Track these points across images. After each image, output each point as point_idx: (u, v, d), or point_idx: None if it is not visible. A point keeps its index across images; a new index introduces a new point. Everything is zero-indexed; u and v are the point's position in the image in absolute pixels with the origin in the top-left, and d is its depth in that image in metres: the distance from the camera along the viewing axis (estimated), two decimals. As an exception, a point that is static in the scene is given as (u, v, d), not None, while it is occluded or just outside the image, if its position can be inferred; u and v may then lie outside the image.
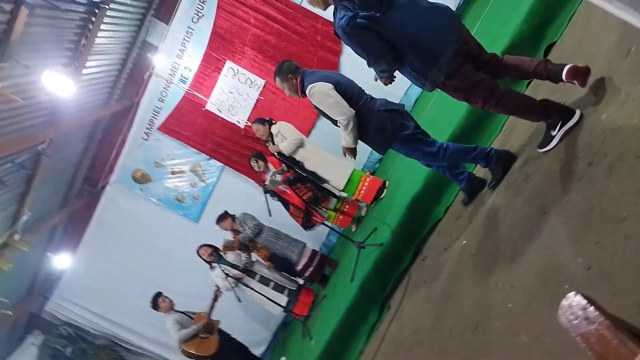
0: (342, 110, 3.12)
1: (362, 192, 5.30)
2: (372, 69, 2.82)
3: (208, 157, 7.14)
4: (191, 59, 6.88)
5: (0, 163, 5.08)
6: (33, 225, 6.40)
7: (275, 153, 5.33)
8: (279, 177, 5.43)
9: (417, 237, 3.71)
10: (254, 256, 5.61)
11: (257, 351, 6.97)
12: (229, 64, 6.86)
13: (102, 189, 7.45)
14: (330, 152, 5.42)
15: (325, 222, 5.63)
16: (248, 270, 5.41)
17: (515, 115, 2.81)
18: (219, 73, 6.89)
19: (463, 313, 2.39)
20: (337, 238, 6.99)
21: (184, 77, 6.92)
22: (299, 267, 5.54)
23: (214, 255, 5.26)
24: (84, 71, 5.91)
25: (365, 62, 2.72)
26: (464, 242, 2.92)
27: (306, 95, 3.24)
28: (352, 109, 3.13)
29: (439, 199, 3.68)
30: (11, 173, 5.43)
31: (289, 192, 5.53)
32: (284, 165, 5.38)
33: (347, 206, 5.78)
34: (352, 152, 3.36)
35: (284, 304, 5.32)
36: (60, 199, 7.38)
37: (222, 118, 6.98)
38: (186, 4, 6.67)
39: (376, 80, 3.04)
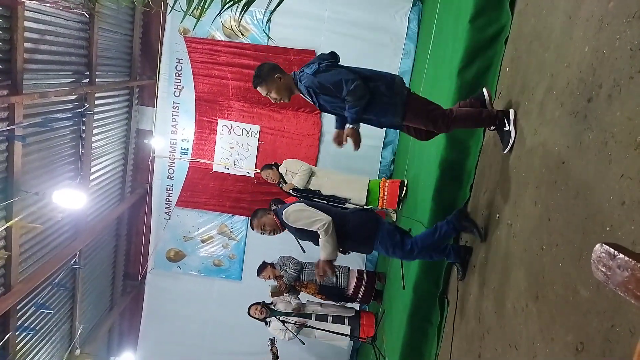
0: (319, 217, 3.26)
1: (385, 199, 5.25)
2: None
3: (231, 215, 7.21)
4: (186, 130, 7.04)
5: (41, 289, 5.22)
6: (89, 336, 6.52)
7: (291, 190, 5.36)
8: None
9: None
10: (303, 297, 5.57)
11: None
12: (221, 122, 7.00)
13: (143, 279, 7.57)
14: (342, 171, 5.43)
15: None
16: (302, 313, 5.38)
17: (469, 128, 3.27)
18: (215, 134, 7.02)
19: (519, 287, 2.31)
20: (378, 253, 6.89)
21: (184, 149, 7.07)
22: (351, 291, 5.47)
23: (264, 310, 5.26)
24: (91, 177, 6.10)
25: (341, 98, 2.84)
26: (497, 215, 2.84)
27: (295, 92, 3.08)
28: (328, 215, 3.28)
29: (460, 181, 3.61)
30: (54, 295, 5.57)
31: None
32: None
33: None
34: (331, 267, 3.37)
35: (348, 333, 5.24)
36: (107, 302, 7.52)
37: (231, 174, 7.07)
38: (164, 83, 6.88)
39: (341, 144, 3.08)
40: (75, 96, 5.61)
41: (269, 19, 6.20)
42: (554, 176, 2.16)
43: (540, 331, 2.04)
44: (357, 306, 5.81)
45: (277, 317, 5.09)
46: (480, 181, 3.34)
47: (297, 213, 3.34)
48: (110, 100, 6.60)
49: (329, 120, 6.85)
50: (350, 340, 5.50)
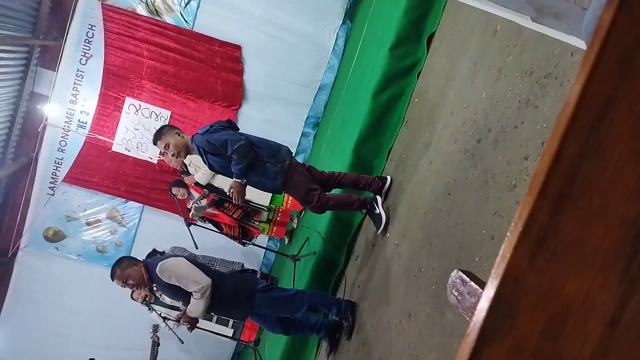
0: (199, 279, 3.02)
1: (289, 202, 5.31)
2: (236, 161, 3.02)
3: (125, 200, 6.80)
4: (87, 102, 6.53)
5: None
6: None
7: (193, 183, 5.20)
8: (204, 202, 5.29)
9: (346, 239, 3.76)
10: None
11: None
12: (129, 100, 6.60)
13: (13, 257, 6.84)
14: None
15: (257, 243, 5.57)
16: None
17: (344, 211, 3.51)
18: (120, 111, 6.60)
19: (396, 304, 2.45)
20: (274, 255, 6.92)
21: (82, 122, 6.55)
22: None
23: (149, 295, 5.01)
24: (-33, 135, 5.42)
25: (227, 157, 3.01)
26: (388, 234, 3.00)
27: (191, 152, 3.21)
28: (208, 278, 3.06)
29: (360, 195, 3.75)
30: None
31: (217, 213, 5.40)
32: (205, 190, 5.26)
33: (279, 215, 5.75)
34: (193, 323, 3.25)
35: (230, 335, 5.18)
36: (-35, 277, 6.70)
37: (132, 157, 6.68)
38: (71, 47, 6.33)
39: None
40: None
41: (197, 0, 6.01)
42: (439, 205, 2.34)
43: (408, 347, 2.18)
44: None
45: (159, 312, 4.86)
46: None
47: (174, 269, 3.03)
48: (4, 55, 5.94)
49: (245, 118, 6.77)
50: (233, 341, 5.43)
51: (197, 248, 4.85)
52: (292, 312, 3.18)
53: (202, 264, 3.23)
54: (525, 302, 0.42)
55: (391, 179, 3.21)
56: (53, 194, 6.60)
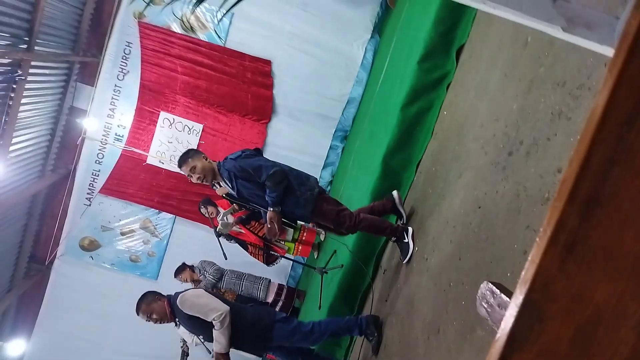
0: (217, 306, 3.10)
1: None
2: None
3: (157, 211, 6.96)
4: (123, 116, 6.77)
5: None
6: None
7: (224, 195, 5.28)
8: (230, 219, 5.36)
9: (374, 252, 3.74)
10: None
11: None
12: (163, 114, 6.80)
13: (50, 265, 7.08)
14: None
15: (286, 255, 5.59)
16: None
17: (373, 234, 3.42)
18: (155, 125, 6.80)
19: (424, 319, 2.41)
20: (302, 268, 6.93)
21: (119, 136, 6.78)
22: (269, 303, 5.45)
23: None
24: (11, 148, 5.68)
25: (259, 184, 3.05)
26: (417, 248, 2.97)
27: (217, 178, 3.24)
28: (226, 305, 3.14)
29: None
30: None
31: (244, 232, 5.46)
32: (234, 205, 5.33)
33: (305, 234, 5.77)
34: (225, 359, 3.18)
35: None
36: (6, 282, 6.95)
37: (165, 169, 6.85)
38: (109, 63, 6.60)
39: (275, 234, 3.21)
40: (9, 60, 5.25)
41: (222, 16, 6.17)
42: (469, 218, 2.31)
43: (436, 363, 2.14)
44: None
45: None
46: (407, 214, 3.47)
47: (194, 299, 3.16)
48: (47, 71, 6.22)
49: (274, 132, 6.87)
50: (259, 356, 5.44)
51: (226, 259, 4.91)
52: (313, 342, 3.17)
53: (221, 297, 3.29)
54: (555, 307, 0.42)
55: (413, 231, 3.11)
56: (90, 205, 6.83)
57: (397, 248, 3.18)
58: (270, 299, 5.44)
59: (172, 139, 6.83)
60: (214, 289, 5.33)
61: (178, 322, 3.30)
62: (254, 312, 3.26)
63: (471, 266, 2.14)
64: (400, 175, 3.69)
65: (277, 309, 5.50)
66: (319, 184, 3.24)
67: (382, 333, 3.01)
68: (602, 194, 0.39)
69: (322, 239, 5.74)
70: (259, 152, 3.33)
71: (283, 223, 5.48)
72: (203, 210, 5.50)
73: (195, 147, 6.85)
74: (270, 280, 5.65)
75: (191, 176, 3.17)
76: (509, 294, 0.84)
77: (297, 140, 6.82)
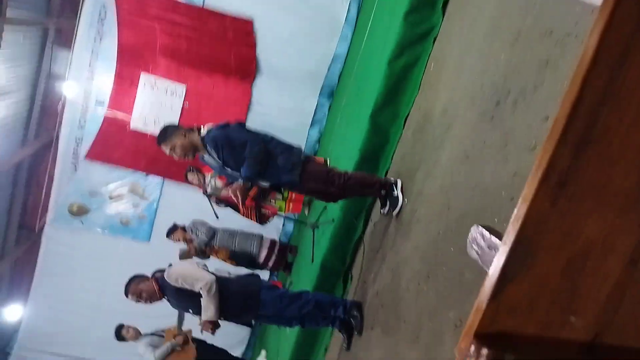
0: (202, 276, 3.17)
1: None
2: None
3: (145, 174, 6.93)
4: (103, 79, 6.59)
5: None
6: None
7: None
8: (218, 183, 5.37)
9: (364, 206, 3.81)
10: (213, 264, 5.55)
11: (237, 351, 6.96)
12: (144, 76, 6.64)
13: (40, 231, 7.08)
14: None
15: (278, 213, 5.65)
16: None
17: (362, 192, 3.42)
18: (136, 88, 6.65)
19: (414, 267, 2.50)
20: (293, 225, 7.03)
21: (100, 100, 6.63)
22: (262, 259, 5.55)
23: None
24: (-11, 115, 5.55)
25: (243, 155, 3.04)
26: (406, 200, 3.03)
27: (199, 150, 3.18)
28: (212, 275, 3.22)
29: (377, 163, 3.78)
30: None
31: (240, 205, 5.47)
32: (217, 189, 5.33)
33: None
34: (215, 325, 3.25)
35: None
36: (-3, 251, 6.97)
37: (150, 134, 6.76)
38: (84, 26, 6.36)
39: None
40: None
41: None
42: (458, 168, 2.36)
43: (426, 308, 2.24)
44: (266, 275, 5.90)
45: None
46: (396, 168, 3.52)
47: (180, 270, 3.27)
48: (21, 36, 5.99)
49: (259, 90, 6.77)
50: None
51: (217, 218, 4.96)
52: (299, 308, 3.22)
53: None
54: (547, 242, 0.46)
55: (402, 184, 3.14)
56: (76, 170, 6.76)
57: (387, 201, 3.25)
58: (263, 254, 5.53)
59: (156, 101, 6.71)
60: (207, 247, 5.40)
61: (167, 299, 3.36)
62: (239, 280, 3.34)
63: (459, 214, 2.21)
64: (388, 130, 3.71)
65: (270, 264, 5.61)
66: (304, 152, 3.30)
67: (363, 317, 3.09)
68: (592, 133, 0.42)
69: (307, 212, 5.80)
70: (242, 125, 3.31)
71: (270, 189, 5.53)
72: (190, 177, 5.50)
73: (179, 111, 6.75)
74: (262, 236, 5.73)
75: (172, 155, 3.12)
76: (499, 236, 0.89)
77: (283, 99, 6.74)
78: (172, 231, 5.52)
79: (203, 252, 5.44)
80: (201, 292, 3.14)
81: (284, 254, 5.73)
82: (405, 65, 3.59)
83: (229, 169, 3.17)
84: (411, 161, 3.16)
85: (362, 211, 3.81)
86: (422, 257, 2.47)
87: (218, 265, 5.54)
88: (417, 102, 3.47)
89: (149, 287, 3.31)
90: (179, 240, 5.54)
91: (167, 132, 3.12)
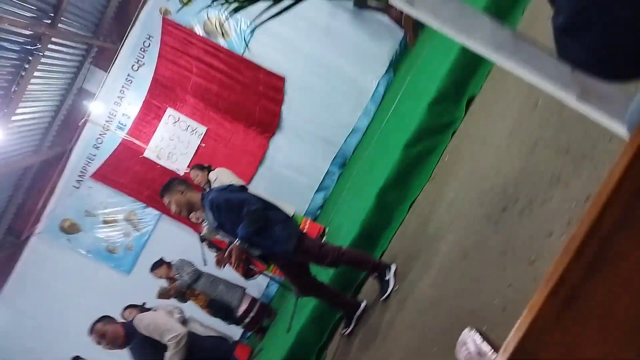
0: (174, 328, 3.15)
1: (302, 238, 5.29)
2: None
3: (145, 205, 6.91)
4: (130, 106, 6.78)
5: None
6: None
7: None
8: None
9: (354, 283, 3.72)
10: (188, 311, 5.39)
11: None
12: (169, 111, 6.82)
13: (26, 240, 6.96)
14: (270, 198, 5.42)
15: (265, 272, 5.53)
16: None
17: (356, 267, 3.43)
18: (160, 120, 6.82)
19: (393, 358, 2.39)
20: (277, 288, 6.85)
21: (122, 124, 6.78)
22: (239, 313, 5.38)
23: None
24: (14, 118, 5.66)
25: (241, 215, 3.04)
26: (397, 287, 2.96)
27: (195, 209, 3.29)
28: (184, 328, 3.22)
29: (375, 242, 3.74)
30: None
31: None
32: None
33: None
34: None
35: None
36: (-22, 251, 6.83)
37: (161, 165, 6.83)
38: (126, 52, 6.65)
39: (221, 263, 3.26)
40: (31, 32, 5.29)
41: (252, 30, 6.27)
42: (454, 266, 2.31)
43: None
44: (238, 334, 5.67)
45: None
46: (392, 252, 3.47)
47: (153, 316, 3.23)
48: (64, 49, 6.26)
49: (275, 147, 6.89)
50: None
51: (205, 265, 4.86)
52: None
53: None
54: (546, 357, 0.43)
55: (365, 306, 3.26)
56: (78, 187, 6.77)
57: (377, 284, 3.17)
58: (242, 309, 5.36)
59: (174, 136, 6.84)
60: (188, 290, 5.26)
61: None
62: (210, 342, 3.28)
63: (448, 312, 2.14)
64: (393, 211, 3.70)
65: (248, 320, 5.42)
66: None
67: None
68: (606, 256, 0.40)
69: None
70: (244, 188, 3.40)
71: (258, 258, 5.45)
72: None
73: (194, 150, 6.84)
74: (245, 290, 5.58)
75: (170, 207, 3.26)
76: (491, 344, 0.85)
77: (296, 159, 6.85)
78: (157, 266, 5.41)
79: (183, 294, 5.29)
80: (168, 344, 3.00)
81: (262, 314, 5.55)
82: (420, 152, 3.65)
83: (223, 232, 3.22)
84: (410, 248, 3.12)
85: (352, 289, 3.71)
86: (404, 349, 2.36)
87: (194, 311, 5.38)
88: (426, 189, 3.49)
89: (115, 331, 3.19)
90: (161, 277, 5.41)
91: (169, 185, 3.27)
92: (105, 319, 3.29)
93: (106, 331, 3.18)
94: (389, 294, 2.97)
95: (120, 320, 3.30)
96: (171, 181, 3.33)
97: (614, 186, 0.39)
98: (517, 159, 2.35)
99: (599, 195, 0.40)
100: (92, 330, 3.23)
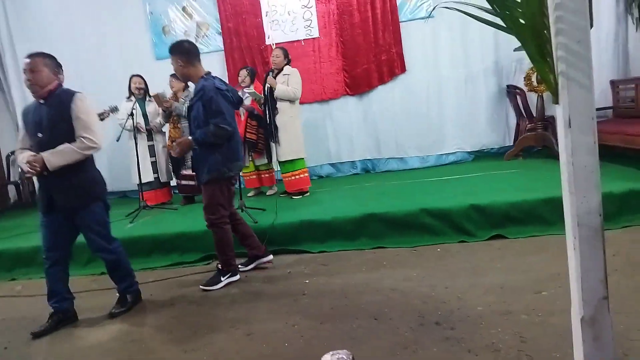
0: (98, 132, 2.85)
1: (290, 179, 5.25)
2: None
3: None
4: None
5: None
6: None
7: (268, 85, 5.18)
8: (249, 99, 5.34)
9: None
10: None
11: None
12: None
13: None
14: (303, 130, 5.39)
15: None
16: (150, 131, 5.68)
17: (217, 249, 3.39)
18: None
19: None
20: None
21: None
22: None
23: (142, 91, 5.59)
24: None
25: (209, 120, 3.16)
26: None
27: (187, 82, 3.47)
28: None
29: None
30: None
31: (242, 119, 5.38)
32: (262, 97, 5.26)
33: (267, 175, 5.68)
34: (33, 166, 2.71)
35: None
36: None
37: (259, 19, 6.65)
38: None
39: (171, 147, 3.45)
40: None
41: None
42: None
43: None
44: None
45: (136, 105, 5.30)
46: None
47: (89, 105, 2.86)
48: None
49: (337, 107, 6.65)
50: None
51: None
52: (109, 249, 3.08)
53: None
54: None
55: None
56: None
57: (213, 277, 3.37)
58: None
59: (292, 13, 6.59)
60: (175, 118, 5.52)
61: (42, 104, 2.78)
62: (99, 175, 2.99)
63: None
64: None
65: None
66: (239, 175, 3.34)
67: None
68: None
69: (268, 194, 5.66)
70: (239, 102, 3.45)
71: (267, 148, 5.38)
72: (243, 73, 5.51)
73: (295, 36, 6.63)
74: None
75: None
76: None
77: (341, 128, 6.75)
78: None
79: (169, 115, 5.49)
80: (81, 139, 2.72)
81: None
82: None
83: (188, 120, 3.37)
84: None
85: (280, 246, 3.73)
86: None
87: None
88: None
89: (45, 72, 2.77)
90: (171, 88, 5.42)
91: (180, 47, 3.26)
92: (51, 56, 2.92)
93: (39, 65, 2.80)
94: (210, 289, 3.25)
95: None
96: (182, 42, 3.32)
97: None
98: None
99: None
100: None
